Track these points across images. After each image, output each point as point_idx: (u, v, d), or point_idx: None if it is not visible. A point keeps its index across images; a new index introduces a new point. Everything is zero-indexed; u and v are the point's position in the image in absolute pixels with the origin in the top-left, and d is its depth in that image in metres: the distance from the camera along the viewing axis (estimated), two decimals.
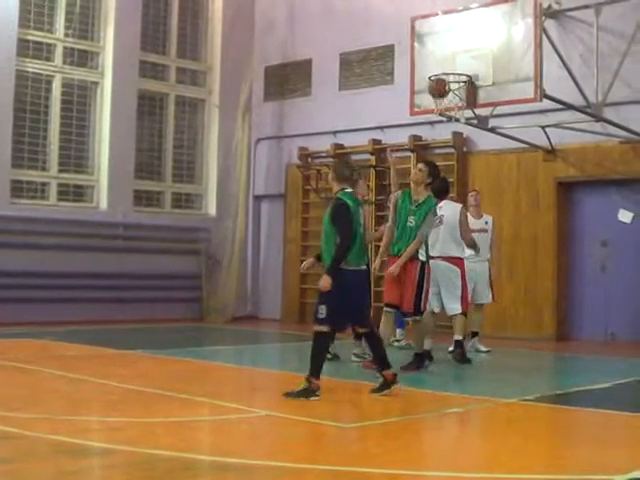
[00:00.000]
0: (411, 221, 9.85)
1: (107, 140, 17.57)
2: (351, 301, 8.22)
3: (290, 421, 7.06)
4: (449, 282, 11.09)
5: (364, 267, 8.74)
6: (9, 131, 16.20)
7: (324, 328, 8.12)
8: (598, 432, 7.01)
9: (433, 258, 10.56)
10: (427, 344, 10.88)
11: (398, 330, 12.94)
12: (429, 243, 10.41)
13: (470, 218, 11.94)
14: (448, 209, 11.23)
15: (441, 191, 10.97)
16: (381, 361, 8.39)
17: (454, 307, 11.22)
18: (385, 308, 10.16)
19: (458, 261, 11.18)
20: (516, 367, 11.58)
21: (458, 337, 11.26)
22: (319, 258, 8.61)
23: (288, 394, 7.97)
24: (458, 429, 7.42)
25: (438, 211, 10.59)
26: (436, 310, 11.15)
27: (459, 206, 11.49)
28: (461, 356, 11.19)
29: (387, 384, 8.26)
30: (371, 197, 16.99)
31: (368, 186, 12.85)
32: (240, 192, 19.24)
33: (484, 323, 13.18)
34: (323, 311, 8.05)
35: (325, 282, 8.02)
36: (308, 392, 7.94)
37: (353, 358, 11.06)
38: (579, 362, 12.54)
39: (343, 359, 11.00)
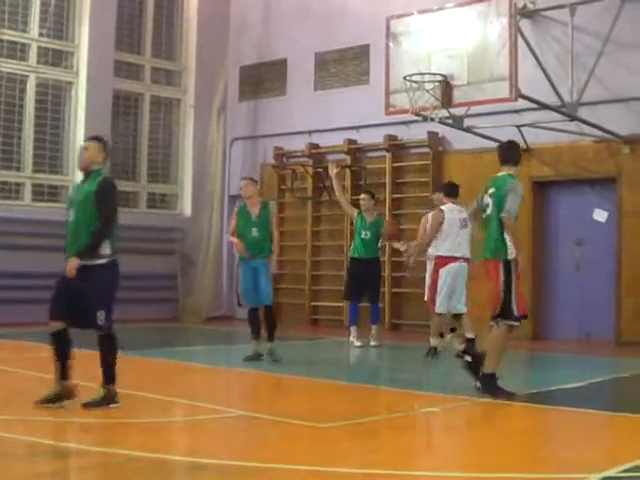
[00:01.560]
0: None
1: (82, 140, 17.46)
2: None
3: (265, 421, 7.04)
4: (465, 283, 11.26)
5: None
6: None
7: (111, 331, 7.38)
8: (573, 431, 7.03)
9: (457, 259, 10.90)
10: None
11: (373, 327, 12.99)
12: (455, 244, 10.88)
13: None
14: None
15: (456, 193, 11.29)
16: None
17: (463, 307, 11.31)
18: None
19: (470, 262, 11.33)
20: None
21: (471, 335, 11.33)
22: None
23: (88, 404, 7.25)
24: (434, 428, 7.43)
25: (461, 214, 10.95)
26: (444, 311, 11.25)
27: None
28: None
29: (109, 400, 7.29)
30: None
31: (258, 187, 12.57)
32: (215, 192, 19.21)
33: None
34: (103, 316, 7.25)
35: (75, 263, 7.22)
36: (109, 399, 7.32)
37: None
38: (554, 361, 12.58)
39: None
